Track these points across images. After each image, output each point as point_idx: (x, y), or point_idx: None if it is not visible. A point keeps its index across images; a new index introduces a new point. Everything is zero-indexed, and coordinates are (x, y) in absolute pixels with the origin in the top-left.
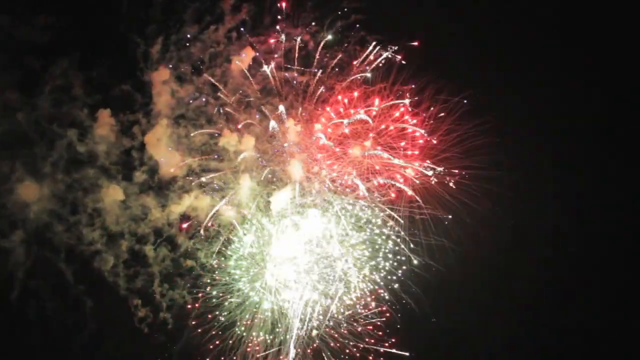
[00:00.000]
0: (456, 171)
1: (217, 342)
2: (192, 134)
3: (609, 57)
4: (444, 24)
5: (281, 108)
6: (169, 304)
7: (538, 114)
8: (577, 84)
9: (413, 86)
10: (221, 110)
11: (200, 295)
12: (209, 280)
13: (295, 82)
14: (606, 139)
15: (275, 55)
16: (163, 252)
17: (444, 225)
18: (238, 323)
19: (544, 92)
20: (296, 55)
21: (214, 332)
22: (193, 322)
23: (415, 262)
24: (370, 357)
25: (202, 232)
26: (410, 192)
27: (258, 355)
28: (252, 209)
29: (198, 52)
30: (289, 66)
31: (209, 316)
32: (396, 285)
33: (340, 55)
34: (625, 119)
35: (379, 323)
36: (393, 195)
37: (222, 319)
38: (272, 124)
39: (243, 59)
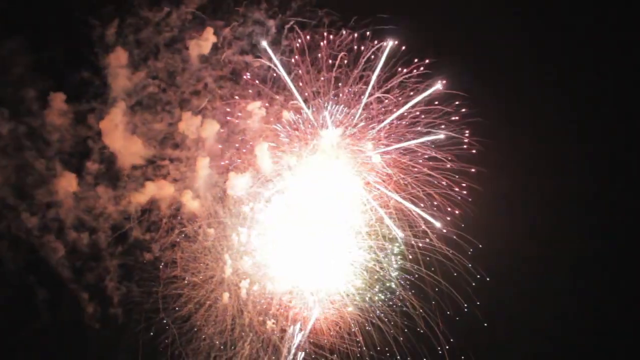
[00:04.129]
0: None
1: (171, 334)
2: (150, 120)
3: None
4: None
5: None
6: (121, 299)
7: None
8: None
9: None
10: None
11: (154, 289)
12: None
13: (258, 66)
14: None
15: (237, 40)
16: (117, 245)
17: None
18: (192, 318)
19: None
20: (259, 39)
21: (167, 326)
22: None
23: None
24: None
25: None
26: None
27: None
28: (209, 199)
29: (156, 36)
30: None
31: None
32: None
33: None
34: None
35: None
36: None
37: (176, 313)
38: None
39: (203, 43)
